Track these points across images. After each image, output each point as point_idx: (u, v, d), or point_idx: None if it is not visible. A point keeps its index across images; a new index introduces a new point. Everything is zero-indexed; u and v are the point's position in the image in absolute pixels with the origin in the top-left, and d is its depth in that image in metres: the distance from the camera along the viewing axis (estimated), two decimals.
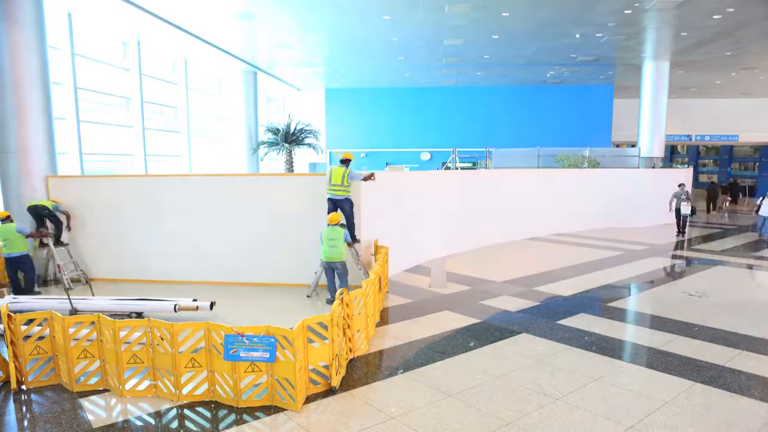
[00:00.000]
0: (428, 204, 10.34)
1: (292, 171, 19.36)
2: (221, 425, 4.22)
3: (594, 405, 4.49)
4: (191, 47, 15.69)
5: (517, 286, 8.66)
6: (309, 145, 19.95)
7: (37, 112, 8.84)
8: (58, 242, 8.87)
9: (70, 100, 12.30)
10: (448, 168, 17.82)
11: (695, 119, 26.08)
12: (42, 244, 8.80)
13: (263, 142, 19.38)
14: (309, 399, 4.63)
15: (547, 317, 6.95)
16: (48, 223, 8.77)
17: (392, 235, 8.70)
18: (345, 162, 8.12)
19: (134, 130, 14.86)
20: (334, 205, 7.89)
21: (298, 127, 19.40)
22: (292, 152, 19.52)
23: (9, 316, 4.89)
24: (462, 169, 17.99)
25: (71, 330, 4.85)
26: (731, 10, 11.68)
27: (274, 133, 19.24)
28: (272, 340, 4.45)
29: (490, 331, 6.40)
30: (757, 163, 29.87)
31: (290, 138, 19.17)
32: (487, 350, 5.75)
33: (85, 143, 12.81)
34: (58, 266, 8.23)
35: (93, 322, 4.85)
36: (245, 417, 4.32)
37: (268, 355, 4.45)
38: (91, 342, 4.89)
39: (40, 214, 8.60)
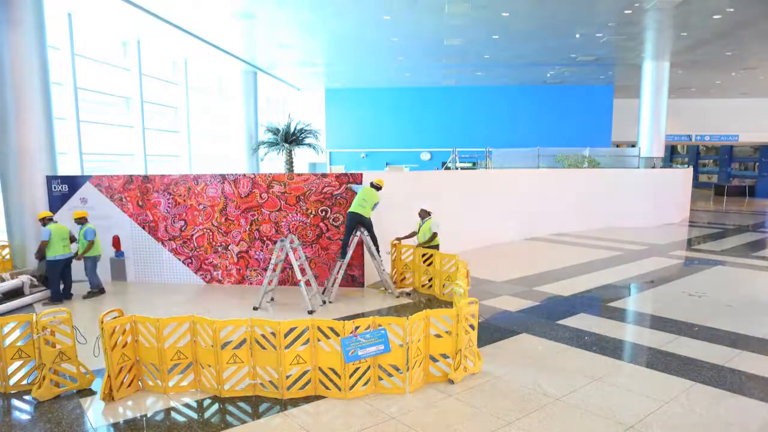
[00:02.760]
0: (427, 204, 10.30)
1: (292, 171, 19.35)
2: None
3: (594, 405, 4.49)
4: (191, 47, 15.69)
5: (517, 286, 8.66)
6: (309, 145, 19.93)
7: (37, 112, 8.82)
8: None
9: (70, 100, 12.29)
10: (448, 168, 17.82)
11: (695, 119, 26.05)
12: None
13: (263, 142, 19.36)
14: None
15: (547, 317, 6.95)
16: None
17: (391, 236, 8.68)
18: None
19: (134, 130, 14.87)
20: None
21: (298, 127, 19.37)
22: (292, 152, 19.51)
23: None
24: (462, 169, 17.99)
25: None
26: (731, 10, 11.68)
27: (274, 133, 19.22)
28: (383, 331, 4.62)
29: (490, 331, 6.40)
30: (757, 163, 29.85)
31: (290, 138, 19.15)
32: (487, 350, 5.75)
33: (85, 143, 12.81)
34: None
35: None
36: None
37: (383, 347, 4.60)
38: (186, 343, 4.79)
39: None
